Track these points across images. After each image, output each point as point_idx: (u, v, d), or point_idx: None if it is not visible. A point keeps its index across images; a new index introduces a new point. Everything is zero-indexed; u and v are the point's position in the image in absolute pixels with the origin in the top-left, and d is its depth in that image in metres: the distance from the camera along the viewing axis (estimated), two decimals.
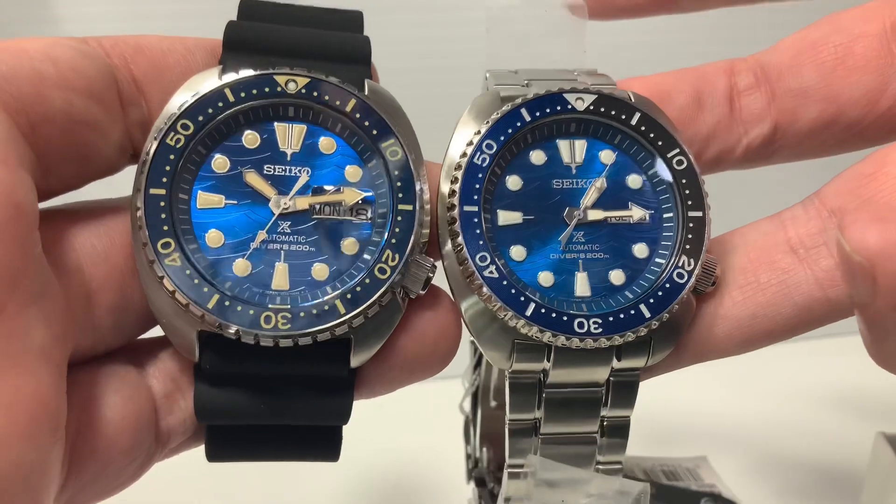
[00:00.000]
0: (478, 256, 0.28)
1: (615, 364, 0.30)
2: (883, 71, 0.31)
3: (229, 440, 0.29)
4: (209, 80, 0.28)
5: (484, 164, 0.29)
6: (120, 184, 0.30)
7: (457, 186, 0.29)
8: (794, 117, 0.32)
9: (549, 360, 0.30)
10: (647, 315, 0.29)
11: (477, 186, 0.29)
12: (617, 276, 0.30)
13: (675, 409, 0.61)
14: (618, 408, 0.32)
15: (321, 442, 0.29)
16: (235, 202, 0.28)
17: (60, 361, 0.25)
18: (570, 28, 0.38)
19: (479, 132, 0.30)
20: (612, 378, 0.31)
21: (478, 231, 0.28)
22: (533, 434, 0.32)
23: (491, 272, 0.28)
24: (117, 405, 0.27)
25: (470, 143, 0.30)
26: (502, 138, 0.29)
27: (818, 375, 0.70)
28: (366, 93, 0.29)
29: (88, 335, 0.27)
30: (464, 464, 0.49)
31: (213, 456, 0.29)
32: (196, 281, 0.26)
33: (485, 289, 0.28)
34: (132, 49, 0.28)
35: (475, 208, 0.29)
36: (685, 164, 0.30)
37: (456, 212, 0.29)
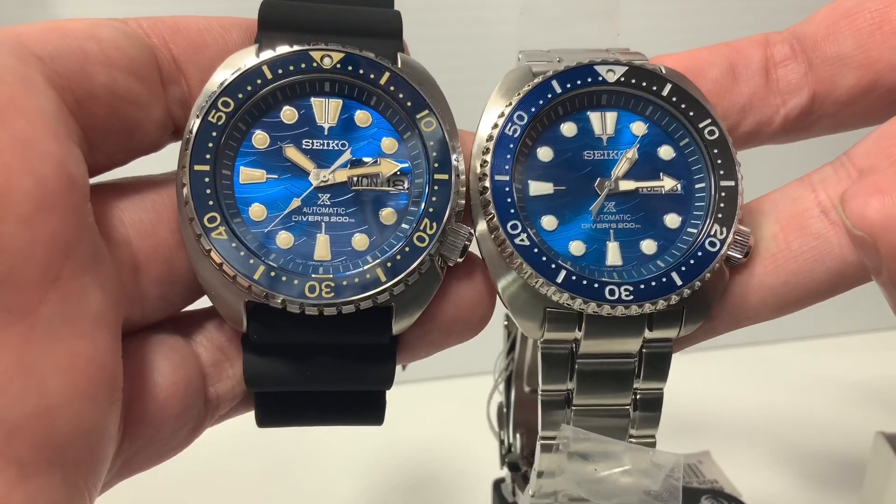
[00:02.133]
0: (509, 225, 0.29)
1: (647, 334, 0.30)
2: None
3: (277, 407, 0.30)
4: (247, 59, 0.29)
5: (515, 135, 0.30)
6: (161, 162, 0.31)
7: (488, 157, 0.29)
8: (831, 86, 0.32)
9: (580, 330, 0.30)
10: (679, 283, 0.29)
11: (508, 157, 0.29)
12: (648, 246, 0.30)
13: (677, 402, 0.60)
14: (651, 380, 0.32)
15: (366, 407, 0.30)
16: (276, 176, 0.29)
17: (115, 326, 0.25)
18: (603, 10, 0.38)
19: (510, 104, 0.30)
20: (644, 349, 0.31)
21: (509, 200, 0.29)
22: (565, 406, 0.32)
23: (522, 240, 0.29)
24: (167, 371, 0.28)
25: (501, 115, 0.30)
26: (533, 109, 0.30)
27: (822, 372, 0.70)
28: (399, 66, 0.30)
29: (137, 306, 0.28)
30: (498, 452, 0.49)
31: (262, 421, 0.30)
32: (242, 253, 0.27)
33: (516, 257, 0.28)
34: (170, 29, 0.28)
35: (506, 178, 0.29)
36: (717, 135, 0.30)
37: (487, 182, 0.29)
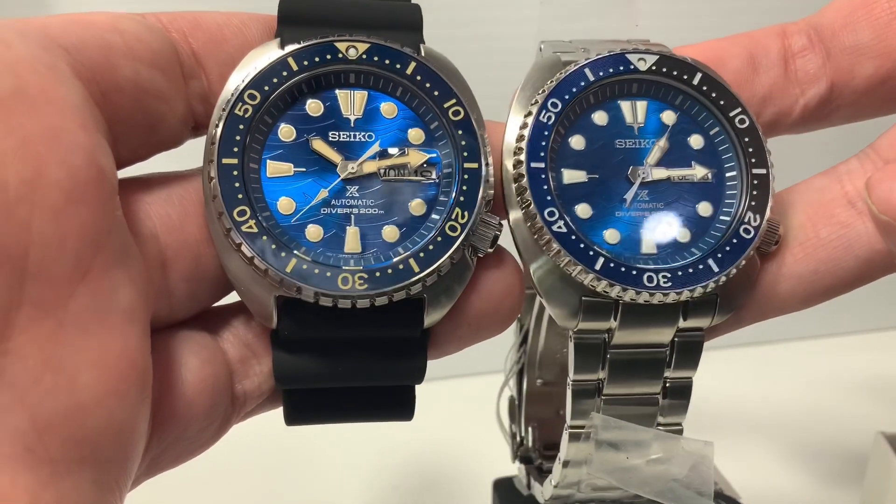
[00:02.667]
0: (546, 212, 0.28)
1: (681, 323, 0.30)
2: None
3: (306, 404, 0.29)
4: (271, 52, 0.29)
5: (549, 122, 0.29)
6: (181, 158, 0.30)
7: (523, 144, 0.29)
8: (850, 75, 0.32)
9: (615, 320, 0.30)
10: (716, 269, 0.29)
11: (543, 144, 0.29)
12: (683, 234, 0.30)
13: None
14: (682, 369, 0.32)
15: (396, 402, 0.30)
16: (304, 169, 0.28)
17: (145, 322, 0.25)
18: (621, 3, 0.38)
19: (543, 91, 0.30)
20: (676, 338, 0.31)
21: (545, 187, 0.29)
22: (596, 395, 0.32)
23: (559, 227, 0.28)
24: (195, 368, 0.27)
25: (535, 102, 0.30)
26: (567, 97, 0.30)
27: (823, 371, 0.70)
28: (423, 56, 0.30)
29: (164, 302, 0.27)
30: (501, 447, 0.49)
31: (291, 419, 0.29)
32: (273, 247, 0.27)
33: (554, 244, 0.28)
34: (190, 24, 0.28)
35: (542, 165, 0.29)
36: (748, 123, 0.31)
37: (523, 168, 0.29)
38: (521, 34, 0.39)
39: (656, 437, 0.32)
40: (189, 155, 0.30)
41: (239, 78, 0.28)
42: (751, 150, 0.30)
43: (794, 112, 0.33)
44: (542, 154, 0.29)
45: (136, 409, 0.24)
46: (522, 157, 0.29)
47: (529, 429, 0.48)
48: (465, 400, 0.55)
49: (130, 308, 0.24)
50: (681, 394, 0.32)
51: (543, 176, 0.29)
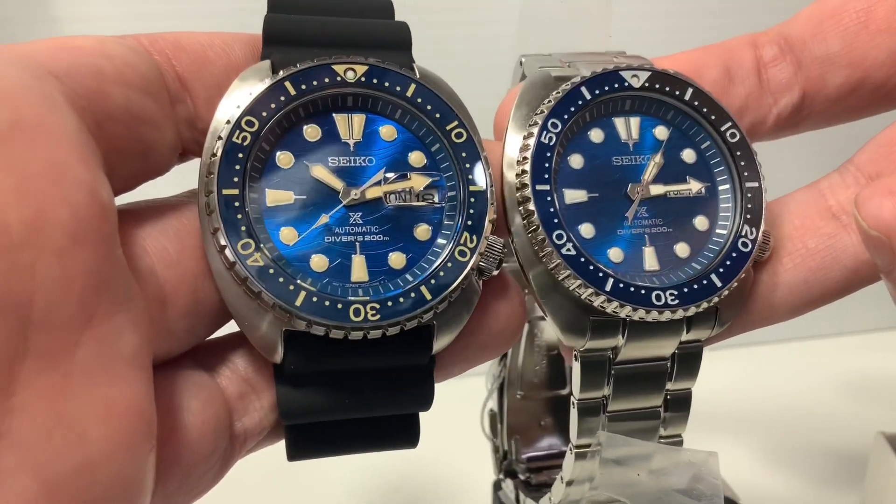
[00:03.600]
0: (554, 235, 0.28)
1: (683, 336, 0.31)
2: None
3: (310, 437, 0.28)
4: (263, 75, 0.27)
5: (551, 143, 0.29)
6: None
7: (527, 166, 0.29)
8: (821, 84, 0.33)
9: (623, 336, 0.30)
10: (719, 284, 0.29)
11: (546, 165, 0.29)
12: (682, 249, 0.30)
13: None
14: (682, 380, 0.32)
15: (400, 430, 0.29)
16: (305, 197, 0.27)
17: (148, 367, 0.24)
18: (597, 13, 0.38)
19: (542, 111, 0.30)
20: (677, 351, 0.31)
21: (551, 210, 0.28)
22: (600, 412, 0.32)
23: (569, 250, 0.28)
24: (197, 410, 0.26)
25: (534, 123, 0.29)
26: (566, 116, 0.29)
27: (823, 372, 0.71)
28: (419, 77, 0.29)
29: (164, 340, 0.26)
30: (491, 457, 0.49)
31: (294, 455, 0.28)
32: (281, 279, 0.25)
33: (564, 269, 0.28)
34: (172, 45, 0.27)
35: (547, 187, 0.29)
36: (738, 137, 0.31)
37: (528, 191, 0.28)
38: (497, 46, 0.38)
39: (659, 451, 0.33)
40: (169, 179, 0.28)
41: (232, 104, 0.27)
42: (742, 163, 0.31)
43: (768, 121, 0.34)
44: (546, 176, 0.29)
45: (143, 462, 0.23)
46: (527, 179, 0.28)
47: (512, 441, 0.48)
48: (467, 402, 0.54)
49: (134, 353, 0.23)
50: (682, 405, 0.33)
51: (549, 198, 0.28)
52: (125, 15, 0.55)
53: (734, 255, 0.30)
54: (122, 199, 0.27)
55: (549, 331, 0.47)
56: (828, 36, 0.33)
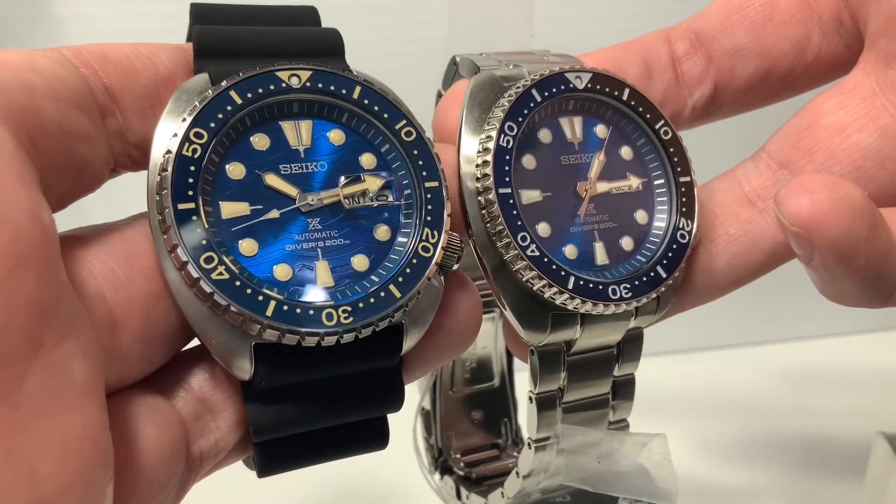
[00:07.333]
0: (519, 237, 0.29)
1: (630, 324, 0.32)
2: (805, 23, 0.35)
3: (280, 452, 0.27)
4: (202, 87, 0.26)
5: (509, 146, 0.29)
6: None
7: (489, 170, 0.29)
8: (731, 76, 0.35)
9: (579, 329, 0.31)
10: (664, 275, 0.31)
11: (506, 168, 0.29)
12: (627, 243, 0.32)
13: (679, 402, 0.59)
14: (628, 364, 0.34)
15: (370, 433, 0.29)
16: (261, 206, 0.26)
17: (101, 395, 0.22)
18: (522, 13, 0.39)
19: (496, 114, 0.30)
20: (622, 337, 0.33)
21: (514, 212, 0.29)
22: (556, 405, 0.33)
23: (533, 251, 0.29)
24: (153, 436, 0.24)
25: (491, 126, 0.30)
26: (520, 119, 0.30)
27: (823, 372, 0.71)
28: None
29: (117, 366, 0.24)
30: (425, 456, 0.49)
31: (264, 471, 0.27)
32: (249, 291, 0.24)
33: (530, 268, 0.28)
34: (97, 57, 0.25)
35: (508, 190, 0.29)
36: (670, 135, 0.33)
37: (492, 195, 0.29)
38: (428, 49, 0.38)
39: (612, 437, 0.34)
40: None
41: (176, 116, 0.25)
42: (675, 159, 0.33)
43: (685, 113, 0.37)
44: (507, 179, 0.29)
45: (101, 495, 0.21)
46: (490, 182, 0.29)
47: (448, 437, 0.48)
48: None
49: (86, 381, 0.21)
50: (627, 390, 0.35)
51: (511, 201, 0.29)
52: (125, 15, 0.54)
53: (674, 246, 0.32)
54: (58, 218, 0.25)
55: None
56: (735, 30, 0.35)
